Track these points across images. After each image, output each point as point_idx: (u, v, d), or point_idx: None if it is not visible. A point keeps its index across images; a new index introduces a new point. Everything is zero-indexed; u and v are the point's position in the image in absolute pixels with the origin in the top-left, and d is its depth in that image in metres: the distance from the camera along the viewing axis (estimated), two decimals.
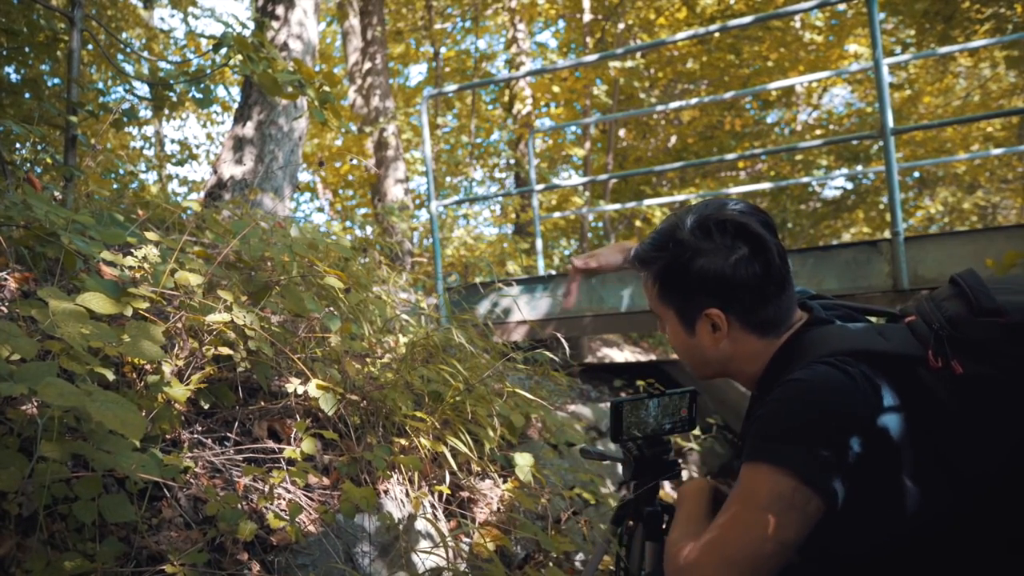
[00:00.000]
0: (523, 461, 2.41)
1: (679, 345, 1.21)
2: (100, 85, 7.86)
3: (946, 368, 1.01)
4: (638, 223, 10.89)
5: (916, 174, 12.03)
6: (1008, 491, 0.99)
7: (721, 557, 0.95)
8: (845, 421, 0.99)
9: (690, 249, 1.12)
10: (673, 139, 12.05)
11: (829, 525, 1.00)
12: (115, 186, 4.34)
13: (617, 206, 6.81)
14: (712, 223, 1.11)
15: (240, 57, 2.48)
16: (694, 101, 5.36)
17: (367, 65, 9.02)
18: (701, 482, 1.22)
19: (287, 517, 1.71)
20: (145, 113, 9.60)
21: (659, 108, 5.31)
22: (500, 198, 10.86)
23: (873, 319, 1.21)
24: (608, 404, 2.98)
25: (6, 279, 1.96)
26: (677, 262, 1.14)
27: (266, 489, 1.79)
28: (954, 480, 1.01)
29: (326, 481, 1.99)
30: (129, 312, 1.62)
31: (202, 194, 4.68)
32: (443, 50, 12.85)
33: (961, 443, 1.01)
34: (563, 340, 3.36)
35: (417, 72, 25.31)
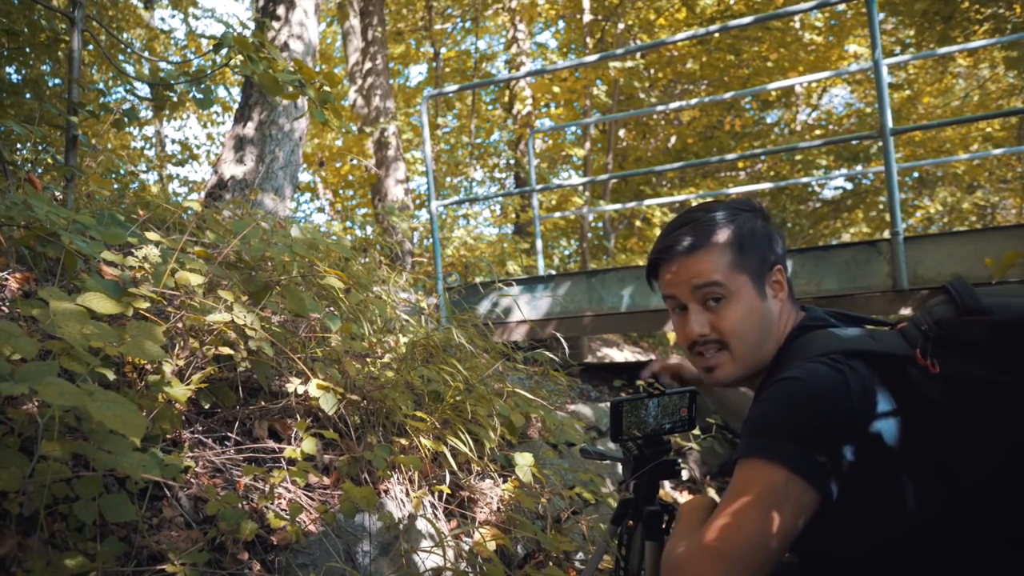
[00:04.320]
0: (523, 461, 2.42)
1: (750, 320, 1.19)
2: (101, 85, 7.87)
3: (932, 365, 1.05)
4: (638, 223, 10.89)
5: (915, 174, 12.03)
6: (1003, 489, 0.99)
7: (714, 551, 0.94)
8: (836, 417, 1.00)
9: (759, 212, 1.26)
10: (673, 139, 12.05)
11: (826, 525, 1.00)
12: (116, 186, 4.35)
13: (617, 206, 6.80)
14: (743, 201, 1.29)
15: (241, 57, 2.48)
16: (694, 101, 5.37)
17: (367, 65, 9.03)
18: (704, 499, 1.21)
19: (287, 517, 1.71)
20: (146, 113, 9.61)
21: (659, 108, 5.31)
22: (500, 198, 10.86)
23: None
24: (608, 404, 2.98)
25: (7, 279, 1.97)
26: (755, 222, 1.24)
27: (266, 489, 1.79)
28: (947, 479, 1.01)
29: (326, 481, 1.99)
30: (130, 312, 1.62)
31: (203, 194, 4.69)
32: (443, 50, 12.85)
33: (953, 442, 1.02)
34: (563, 340, 3.36)
35: (417, 72, 25.36)
